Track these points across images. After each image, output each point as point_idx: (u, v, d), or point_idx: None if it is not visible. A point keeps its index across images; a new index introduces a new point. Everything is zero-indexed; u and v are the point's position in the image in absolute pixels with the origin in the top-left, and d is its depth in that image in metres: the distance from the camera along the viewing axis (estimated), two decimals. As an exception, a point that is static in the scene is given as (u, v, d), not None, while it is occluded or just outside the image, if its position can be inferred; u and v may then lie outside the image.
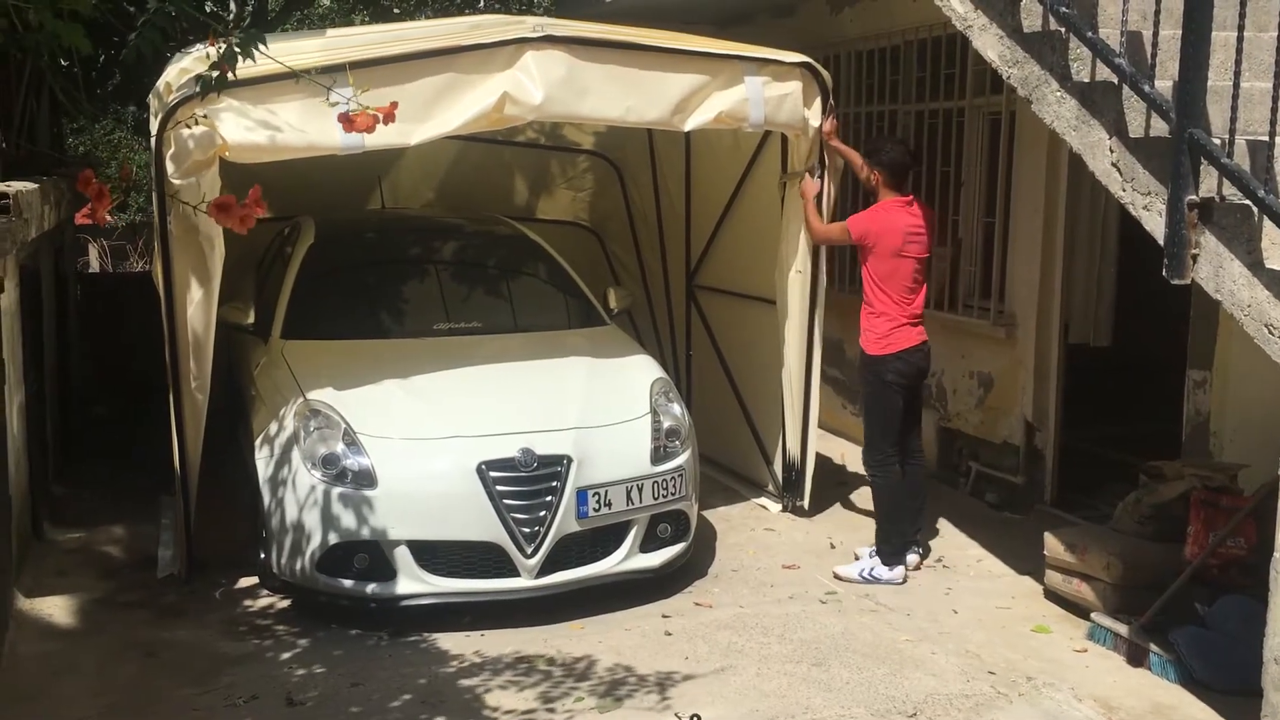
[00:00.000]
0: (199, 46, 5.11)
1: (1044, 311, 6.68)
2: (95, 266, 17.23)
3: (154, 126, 5.22)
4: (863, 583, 5.69)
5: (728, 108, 5.82)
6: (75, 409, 8.36)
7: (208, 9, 2.71)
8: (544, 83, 5.39)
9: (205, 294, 5.32)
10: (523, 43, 5.39)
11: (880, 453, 5.82)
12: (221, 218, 3.01)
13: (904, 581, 5.72)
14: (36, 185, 5.19)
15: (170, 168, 4.96)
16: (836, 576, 5.76)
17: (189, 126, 4.83)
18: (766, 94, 5.89)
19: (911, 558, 5.87)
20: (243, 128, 4.93)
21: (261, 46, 3.04)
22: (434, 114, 5.26)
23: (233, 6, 10.74)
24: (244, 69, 3.18)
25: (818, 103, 6.07)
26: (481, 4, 18.17)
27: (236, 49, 2.92)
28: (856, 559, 5.88)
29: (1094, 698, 4.51)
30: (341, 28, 7.10)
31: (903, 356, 5.71)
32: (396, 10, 15.48)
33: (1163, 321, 6.61)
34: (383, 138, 4.96)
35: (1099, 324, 7.12)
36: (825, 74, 6.12)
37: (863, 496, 7.12)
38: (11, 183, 4.77)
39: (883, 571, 5.73)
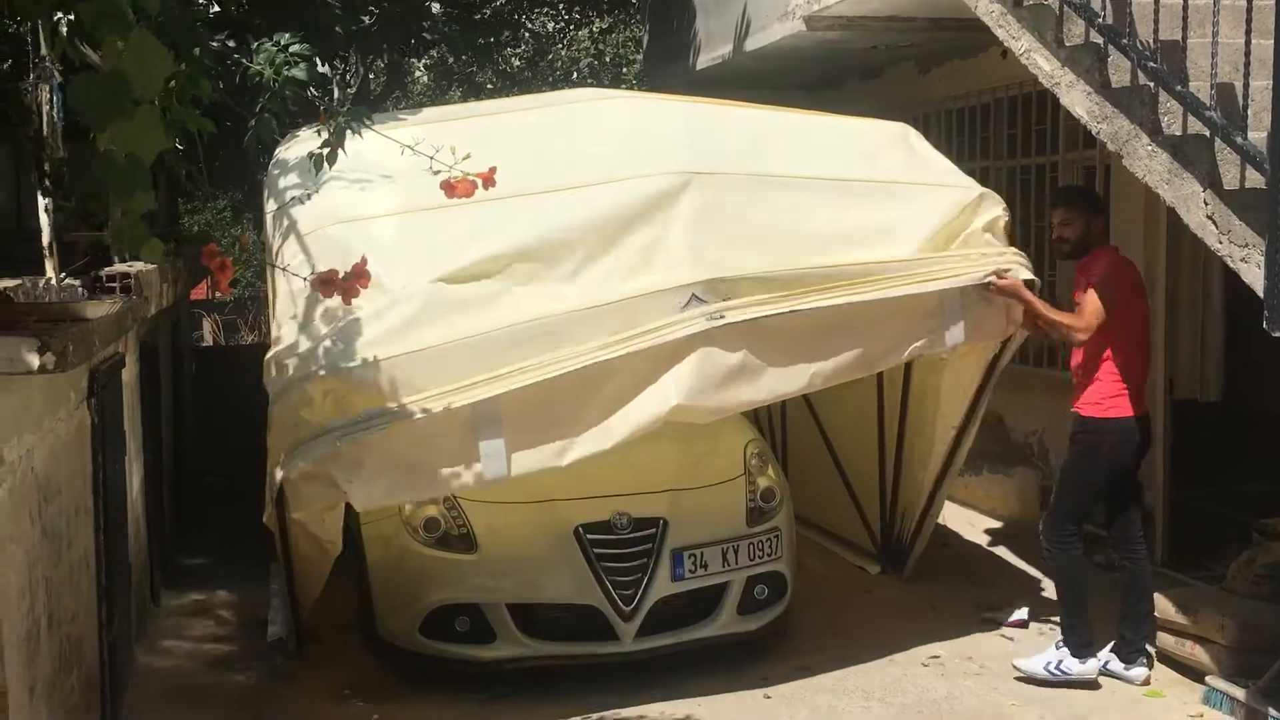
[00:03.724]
0: (305, 129, 5.35)
1: (1147, 366, 6.54)
2: (209, 340, 17.89)
3: (268, 207, 5.45)
4: (1050, 679, 5.09)
5: (921, 344, 5.20)
6: (189, 478, 8.66)
7: (310, 93, 2.85)
8: (718, 377, 4.72)
9: None
10: (694, 336, 4.66)
11: (1063, 530, 5.13)
12: (326, 292, 3.15)
13: (1096, 680, 5.11)
14: (155, 265, 5.46)
15: (291, 506, 4.68)
16: (1017, 670, 5.20)
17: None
18: (967, 310, 5.19)
19: (1139, 671, 5.14)
20: (369, 493, 4.54)
21: (368, 122, 3.20)
22: (591, 427, 4.62)
23: (335, 92, 11.22)
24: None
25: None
26: (575, 76, 18.65)
27: (347, 126, 3.08)
28: (1046, 649, 5.25)
29: (1211, 765, 4.36)
30: (442, 111, 7.04)
31: (1123, 425, 5.05)
32: (490, 86, 15.97)
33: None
34: (535, 462, 4.56)
35: (1206, 378, 6.94)
36: (1029, 271, 5.34)
37: (965, 559, 7.01)
38: (133, 263, 5.04)
39: (1072, 665, 5.08)
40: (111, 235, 2.73)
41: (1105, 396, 5.06)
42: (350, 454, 4.38)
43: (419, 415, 4.32)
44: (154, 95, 2.57)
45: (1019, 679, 5.16)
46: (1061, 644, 5.18)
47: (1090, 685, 5.09)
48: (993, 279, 5.16)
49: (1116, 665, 5.19)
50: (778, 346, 4.84)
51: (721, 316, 4.68)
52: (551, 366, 4.48)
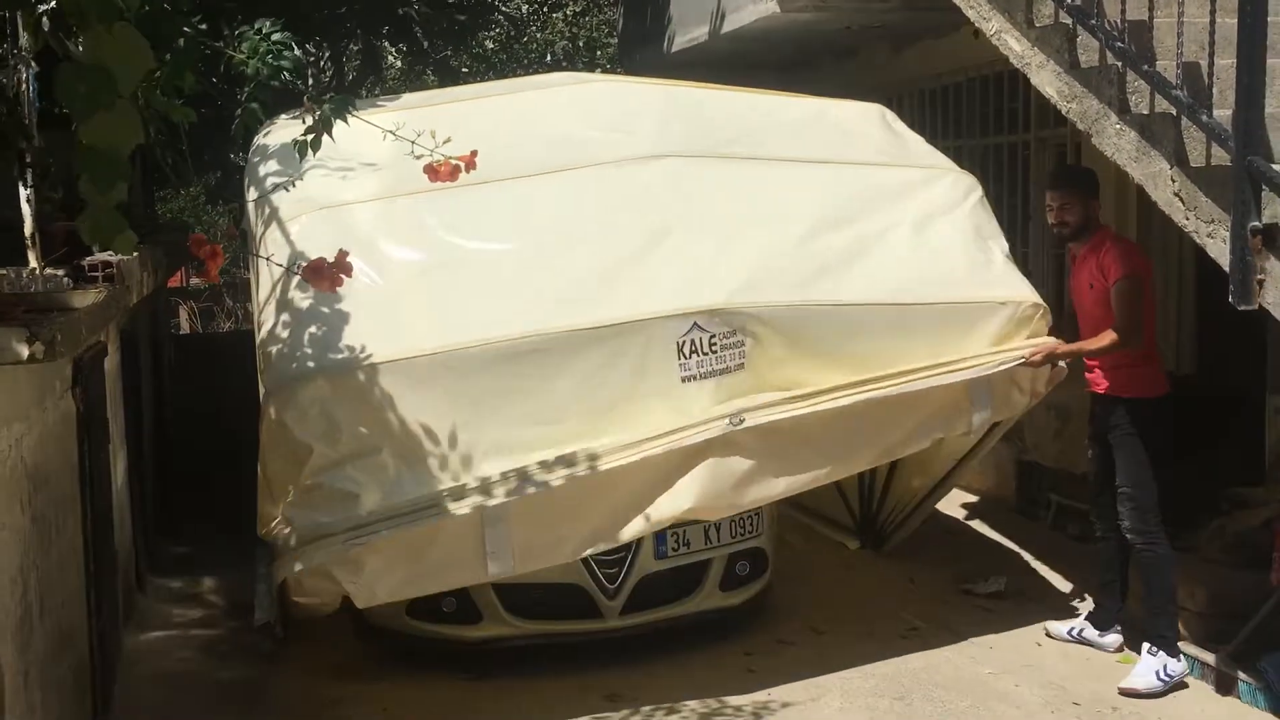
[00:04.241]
0: (284, 116, 5.35)
1: (1118, 341, 6.63)
2: (185, 328, 17.83)
3: (249, 194, 5.45)
4: (1164, 686, 4.81)
5: (947, 430, 5.21)
6: (172, 465, 8.67)
7: (285, 78, 2.84)
8: (734, 480, 4.70)
9: None
10: (712, 441, 4.60)
11: (1150, 520, 4.92)
12: (314, 281, 3.18)
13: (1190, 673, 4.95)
14: (136, 253, 5.47)
15: (293, 593, 4.80)
16: (1127, 692, 4.82)
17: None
18: (995, 396, 5.15)
19: (1113, 638, 5.25)
20: (373, 592, 4.60)
21: (353, 110, 3.22)
22: (602, 527, 4.64)
23: (310, 79, 11.19)
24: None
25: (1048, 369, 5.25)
26: (549, 59, 18.61)
27: (331, 114, 3.10)
28: (1140, 662, 4.95)
29: (1182, 728, 4.47)
30: (421, 97, 6.91)
31: (1166, 402, 5.04)
32: (465, 70, 15.91)
33: (1250, 347, 6.52)
34: (542, 560, 4.63)
35: (1180, 350, 7.04)
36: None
37: (942, 533, 7.11)
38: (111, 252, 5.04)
39: (1176, 666, 4.85)
40: (83, 227, 2.73)
41: (1146, 377, 5.02)
42: (354, 556, 4.42)
43: (424, 517, 4.34)
44: (133, 88, 2.59)
45: (1125, 694, 4.83)
46: (1155, 648, 4.90)
47: (1188, 674, 4.92)
48: (1023, 359, 5.06)
49: (1091, 633, 5.31)
50: (796, 442, 4.77)
51: (741, 420, 4.61)
52: (562, 472, 4.45)
